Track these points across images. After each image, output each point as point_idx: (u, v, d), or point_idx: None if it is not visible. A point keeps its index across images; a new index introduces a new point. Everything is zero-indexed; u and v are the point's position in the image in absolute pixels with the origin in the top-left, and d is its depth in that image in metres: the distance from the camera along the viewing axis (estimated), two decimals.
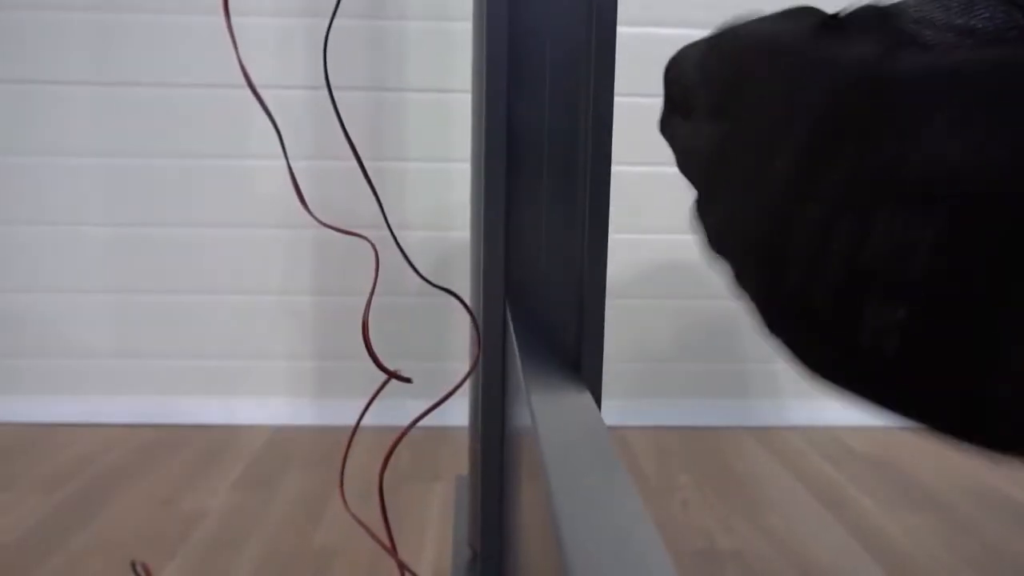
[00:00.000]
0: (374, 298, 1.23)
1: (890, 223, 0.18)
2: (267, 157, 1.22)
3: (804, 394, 1.32)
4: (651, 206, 1.25)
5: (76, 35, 1.18)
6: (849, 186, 0.19)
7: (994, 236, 0.16)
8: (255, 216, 1.23)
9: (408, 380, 0.49)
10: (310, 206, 1.35)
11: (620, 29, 1.21)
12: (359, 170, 1.22)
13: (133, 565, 0.58)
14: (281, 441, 1.18)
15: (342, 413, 1.26)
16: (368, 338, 0.45)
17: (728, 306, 1.28)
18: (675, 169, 0.28)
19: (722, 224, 0.23)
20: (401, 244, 1.24)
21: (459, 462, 1.11)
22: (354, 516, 0.52)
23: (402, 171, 1.22)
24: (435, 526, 0.91)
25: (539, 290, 0.44)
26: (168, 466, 1.08)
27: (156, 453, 1.12)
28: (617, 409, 1.29)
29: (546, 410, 0.30)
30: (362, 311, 1.26)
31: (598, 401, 0.43)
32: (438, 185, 1.23)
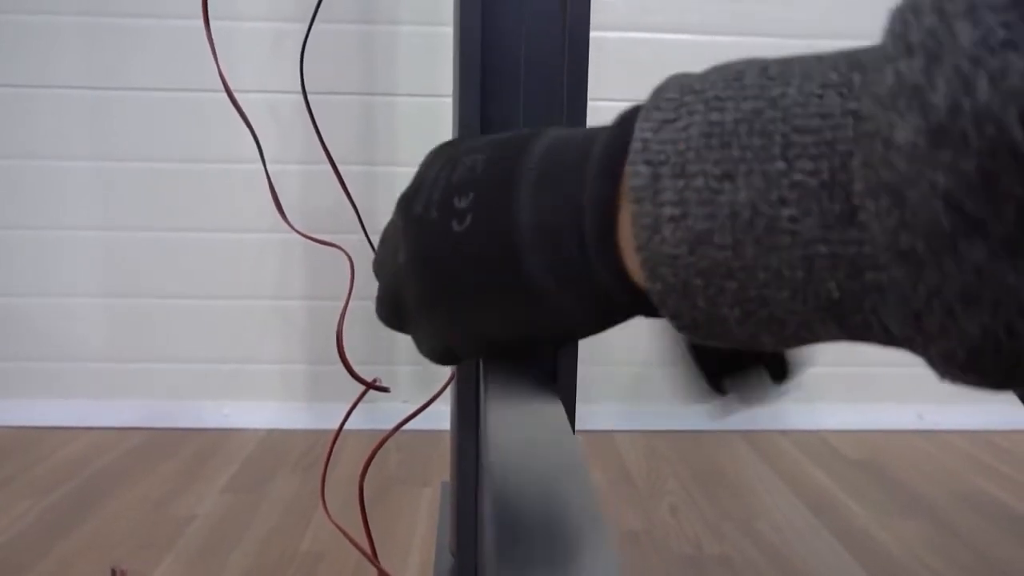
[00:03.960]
0: (367, 301, 1.23)
1: None
2: (259, 161, 1.22)
3: (795, 398, 1.32)
4: None
5: (67, 39, 1.18)
6: None
7: None
8: (247, 220, 1.23)
9: (386, 390, 0.49)
10: (301, 210, 1.36)
11: (610, 33, 1.21)
12: (358, 176, 1.22)
13: (113, 572, 0.58)
14: (272, 444, 1.18)
15: (334, 416, 1.25)
16: (343, 350, 0.45)
17: None
18: None
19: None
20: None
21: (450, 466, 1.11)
22: (336, 524, 0.52)
23: (392, 176, 1.23)
24: (423, 531, 0.91)
25: None
26: (159, 470, 1.08)
27: (147, 457, 1.12)
28: (607, 413, 1.29)
29: (506, 417, 0.30)
30: (355, 315, 1.25)
31: (572, 407, 0.43)
32: None
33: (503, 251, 0.24)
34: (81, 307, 1.25)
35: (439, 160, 0.28)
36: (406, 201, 0.28)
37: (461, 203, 0.25)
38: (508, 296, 0.25)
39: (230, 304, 1.26)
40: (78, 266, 1.24)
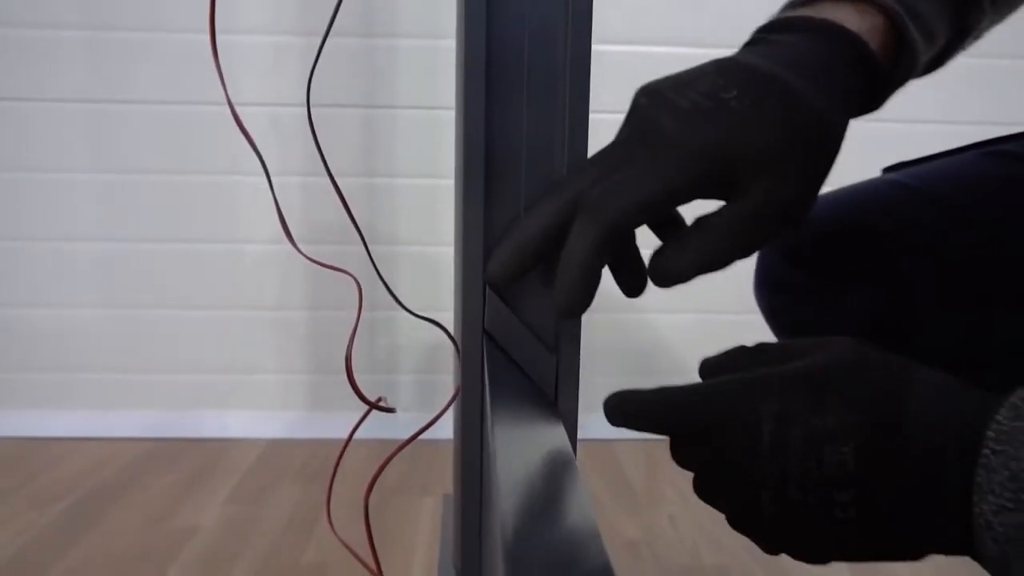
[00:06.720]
0: (369, 312, 1.23)
1: None
2: (262, 174, 1.22)
3: None
4: None
5: (70, 52, 1.19)
6: None
7: None
8: (249, 231, 1.24)
9: (391, 410, 0.49)
10: (304, 223, 1.35)
11: (608, 47, 1.22)
12: (358, 188, 1.23)
13: None
14: (275, 454, 1.19)
15: (336, 426, 1.26)
16: (352, 374, 0.46)
17: (719, 319, 1.29)
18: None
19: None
20: (395, 260, 1.24)
21: (450, 477, 1.11)
22: (341, 540, 0.52)
23: (392, 189, 1.23)
24: (425, 542, 0.92)
25: (517, 326, 0.44)
26: (161, 481, 1.08)
27: (149, 468, 1.13)
28: (606, 422, 1.29)
29: (509, 436, 0.30)
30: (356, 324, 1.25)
31: (573, 434, 0.44)
32: (431, 201, 1.23)
33: (892, 540, 0.30)
34: (83, 318, 1.25)
35: (785, 431, 0.31)
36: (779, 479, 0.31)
37: (842, 496, 0.30)
38: (880, 554, 0.31)
39: (232, 314, 1.26)
40: (80, 277, 1.24)
